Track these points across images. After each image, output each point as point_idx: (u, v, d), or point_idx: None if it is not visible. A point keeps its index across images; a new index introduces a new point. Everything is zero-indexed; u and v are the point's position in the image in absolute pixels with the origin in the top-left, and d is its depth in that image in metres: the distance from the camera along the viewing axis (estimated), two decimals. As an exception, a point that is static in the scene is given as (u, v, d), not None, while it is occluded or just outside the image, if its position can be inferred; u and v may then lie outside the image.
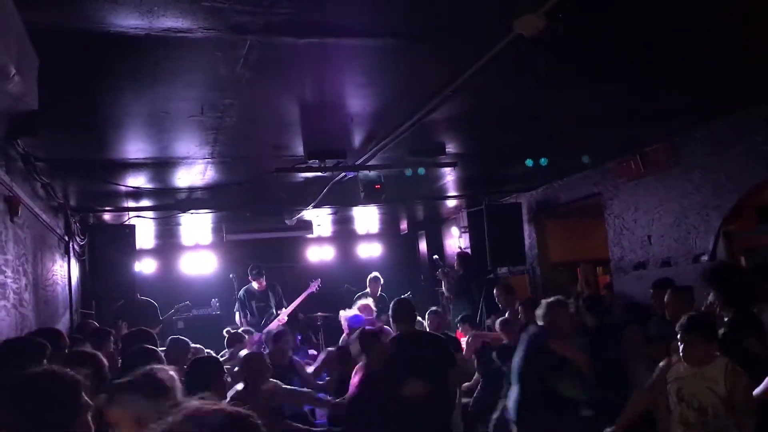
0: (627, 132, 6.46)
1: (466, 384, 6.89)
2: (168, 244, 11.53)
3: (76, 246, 8.06)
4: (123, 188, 6.96)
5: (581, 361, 4.92)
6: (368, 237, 13.12)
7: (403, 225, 12.96)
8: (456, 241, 11.39)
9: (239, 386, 4.96)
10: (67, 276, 7.62)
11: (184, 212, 8.57)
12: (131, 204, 8.19)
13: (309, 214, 9.64)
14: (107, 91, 4.17)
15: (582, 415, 4.87)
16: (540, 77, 4.54)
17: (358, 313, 7.31)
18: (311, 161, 6.17)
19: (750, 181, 5.99)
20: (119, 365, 4.62)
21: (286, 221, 9.93)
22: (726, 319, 4.59)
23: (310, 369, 6.79)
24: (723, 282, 4.72)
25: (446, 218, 12.14)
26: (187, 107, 4.59)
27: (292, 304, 9.75)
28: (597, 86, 4.88)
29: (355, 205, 9.30)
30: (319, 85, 4.50)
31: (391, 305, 5.70)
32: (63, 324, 7.00)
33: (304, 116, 5.07)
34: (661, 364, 4.22)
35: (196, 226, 10.38)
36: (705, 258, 6.41)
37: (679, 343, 3.98)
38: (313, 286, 10.05)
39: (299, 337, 9.73)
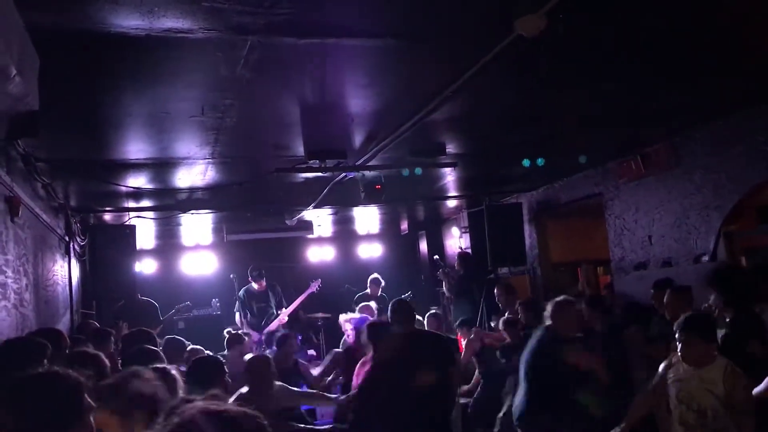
0: (627, 132, 6.46)
1: (465, 387, 6.88)
2: (168, 244, 11.54)
3: (76, 246, 8.06)
4: (123, 188, 6.96)
5: (598, 369, 4.90)
6: (369, 237, 13.11)
7: (404, 225, 12.95)
8: (456, 241, 11.39)
9: (244, 389, 4.95)
10: (67, 276, 7.62)
11: (184, 212, 8.57)
12: (132, 204, 8.19)
13: (309, 214, 9.64)
14: (108, 92, 4.17)
15: (587, 416, 4.86)
16: (540, 77, 4.54)
17: (361, 315, 7.29)
18: (312, 161, 6.17)
19: (751, 181, 5.99)
20: (119, 366, 4.62)
21: (287, 221, 9.93)
22: (727, 320, 4.60)
23: (314, 371, 6.79)
24: (724, 282, 4.73)
25: (447, 218, 12.14)
26: (187, 107, 4.59)
27: (292, 305, 9.75)
28: (597, 86, 4.88)
29: (356, 206, 9.30)
30: (319, 86, 4.50)
31: (389, 306, 5.69)
32: (63, 324, 7.00)
33: (304, 116, 5.07)
34: (662, 365, 4.22)
35: (197, 227, 10.38)
36: (706, 258, 6.41)
37: (677, 343, 3.98)
38: (314, 286, 10.05)
39: (299, 338, 9.73)
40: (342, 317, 7.79)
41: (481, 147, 6.68)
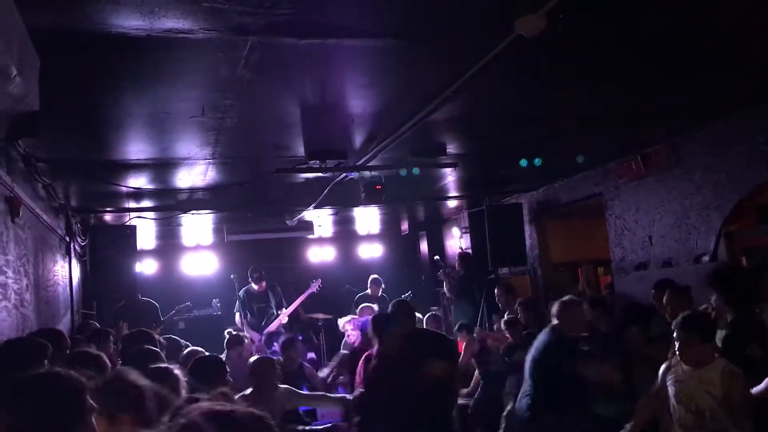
0: (628, 132, 6.46)
1: (465, 390, 6.87)
2: (169, 244, 11.54)
3: (77, 246, 8.06)
4: (124, 189, 6.97)
5: (612, 378, 4.89)
6: (369, 237, 13.11)
7: (404, 225, 12.95)
8: (457, 241, 11.39)
9: (247, 391, 4.95)
10: (68, 276, 7.63)
11: (185, 213, 8.57)
12: (132, 205, 8.19)
13: (310, 214, 9.64)
14: (108, 92, 4.18)
15: (591, 417, 4.85)
16: (540, 77, 4.54)
17: (364, 317, 7.30)
18: (312, 162, 6.17)
19: (751, 181, 5.99)
20: (119, 366, 4.62)
21: (287, 222, 9.94)
22: (728, 320, 4.60)
23: (321, 373, 6.77)
24: (724, 283, 4.72)
25: (447, 219, 12.14)
26: (188, 108, 4.59)
27: (292, 305, 9.75)
28: (597, 86, 4.88)
29: (356, 206, 9.30)
30: (319, 86, 4.50)
31: (390, 306, 5.70)
32: (64, 324, 7.00)
33: (304, 117, 5.07)
34: (663, 366, 4.21)
35: (197, 227, 10.39)
36: (706, 258, 6.41)
37: (675, 342, 3.97)
38: (314, 287, 10.05)
39: (300, 338, 9.74)
40: (341, 321, 7.81)
41: (482, 147, 6.68)
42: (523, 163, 6.62)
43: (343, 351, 7.20)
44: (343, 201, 8.59)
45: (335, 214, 10.36)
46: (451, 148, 6.43)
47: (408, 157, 6.40)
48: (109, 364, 3.69)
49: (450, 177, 8.04)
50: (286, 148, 6.02)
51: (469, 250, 9.86)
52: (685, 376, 3.95)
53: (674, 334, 3.97)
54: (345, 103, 4.87)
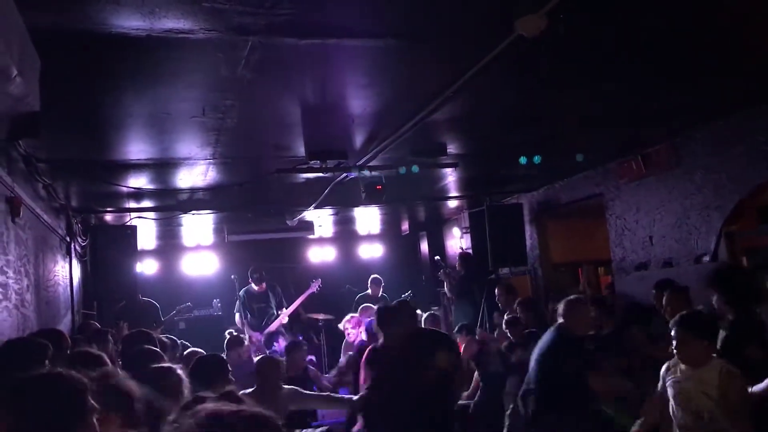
0: (628, 132, 6.46)
1: (465, 393, 6.86)
2: (169, 244, 11.54)
3: (77, 247, 8.07)
4: (124, 189, 6.97)
5: (623, 390, 4.87)
6: (369, 238, 13.11)
7: (405, 226, 12.95)
8: (457, 241, 11.39)
9: (248, 390, 4.95)
10: (68, 277, 7.63)
11: (185, 213, 8.57)
12: (133, 205, 8.19)
13: (310, 214, 9.64)
14: (108, 92, 4.18)
15: (593, 417, 4.84)
16: (541, 78, 4.53)
17: (369, 317, 7.29)
18: (312, 162, 6.17)
19: (751, 182, 5.98)
20: (120, 366, 4.62)
21: (288, 222, 9.94)
22: (729, 320, 4.60)
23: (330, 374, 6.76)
24: (725, 283, 4.72)
25: (447, 219, 12.14)
26: (188, 108, 4.59)
27: (292, 305, 9.75)
28: (598, 86, 4.88)
29: (357, 206, 9.30)
30: (320, 86, 4.50)
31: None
32: (65, 325, 7.01)
33: (305, 117, 5.07)
34: (663, 367, 4.20)
35: (198, 227, 10.39)
36: (707, 258, 6.40)
37: (673, 341, 3.97)
38: (314, 287, 10.05)
39: (300, 338, 9.74)
40: (344, 322, 7.80)
41: (482, 147, 6.68)
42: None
43: (350, 353, 7.18)
44: (343, 201, 8.59)
45: (336, 214, 10.36)
46: (451, 148, 6.43)
47: (408, 157, 6.40)
48: (110, 365, 3.69)
49: (450, 177, 8.04)
50: (286, 148, 6.02)
51: (470, 251, 9.86)
52: (683, 376, 3.94)
53: (672, 333, 3.97)
54: (345, 103, 4.87)
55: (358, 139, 5.87)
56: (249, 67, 3.82)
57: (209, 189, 7.40)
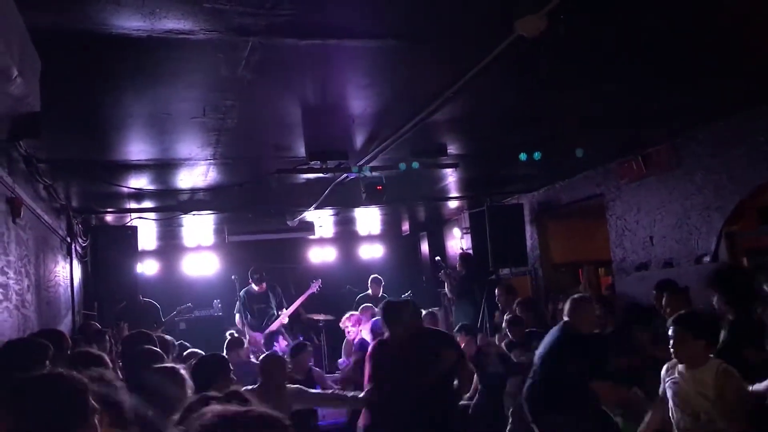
0: (629, 133, 6.46)
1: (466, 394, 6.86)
2: (170, 245, 11.54)
3: (78, 247, 8.07)
4: (125, 190, 6.97)
5: (629, 399, 4.86)
6: (370, 238, 13.11)
7: (405, 226, 12.95)
8: (458, 242, 11.39)
9: (250, 387, 4.94)
10: (69, 277, 7.63)
11: (186, 213, 8.58)
12: (133, 205, 8.20)
13: (310, 215, 9.64)
14: (109, 93, 4.18)
15: (594, 416, 4.83)
16: (541, 78, 4.53)
17: (374, 318, 7.29)
18: (313, 162, 6.18)
19: (752, 182, 5.98)
20: (120, 367, 4.63)
21: (288, 222, 9.94)
22: (730, 319, 4.60)
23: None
24: (725, 284, 4.72)
25: (448, 219, 12.14)
26: (188, 108, 4.59)
27: (292, 305, 9.75)
28: (598, 87, 4.88)
29: (357, 207, 9.30)
30: (320, 87, 4.51)
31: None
32: (65, 325, 7.01)
33: (305, 117, 5.07)
34: (663, 369, 4.19)
35: (198, 228, 10.39)
36: (707, 259, 6.40)
37: (670, 340, 3.97)
38: (314, 287, 10.06)
39: (301, 339, 9.74)
40: (345, 323, 7.80)
41: (483, 148, 6.68)
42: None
43: (353, 358, 7.17)
44: (343, 201, 8.59)
45: (336, 214, 10.36)
46: (451, 149, 6.43)
47: (409, 157, 6.40)
48: (111, 365, 3.69)
49: (451, 177, 8.04)
50: (286, 149, 6.02)
51: (470, 251, 9.86)
52: (681, 378, 3.93)
53: (668, 332, 3.96)
54: (346, 103, 4.87)
55: (359, 140, 5.87)
56: (249, 67, 3.82)
57: (210, 189, 7.40)
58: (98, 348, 4.95)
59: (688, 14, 3.71)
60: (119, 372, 4.43)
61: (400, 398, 4.79)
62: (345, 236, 12.87)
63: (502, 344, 6.51)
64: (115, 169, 6.21)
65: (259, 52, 3.60)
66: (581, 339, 4.97)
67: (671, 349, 3.95)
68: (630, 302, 7.00)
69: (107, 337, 5.74)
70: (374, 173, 6.67)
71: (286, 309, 9.64)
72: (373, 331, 6.70)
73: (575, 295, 5.21)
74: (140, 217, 8.44)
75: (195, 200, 7.97)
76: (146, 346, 4.32)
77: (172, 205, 8.25)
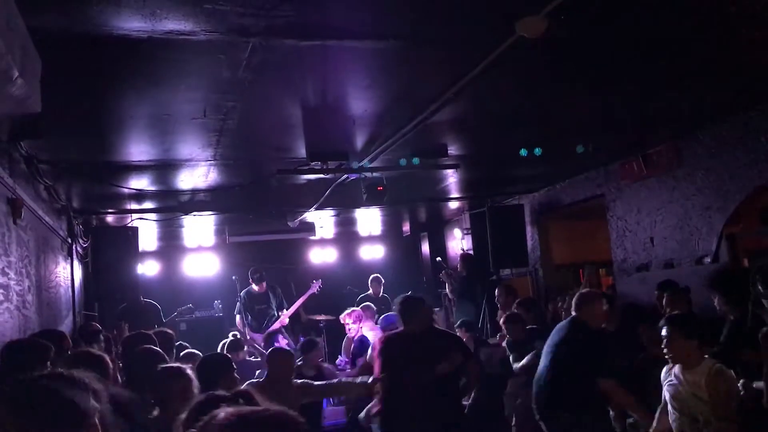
0: (629, 134, 6.45)
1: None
2: (171, 246, 11.55)
3: (79, 248, 8.08)
4: (126, 190, 6.98)
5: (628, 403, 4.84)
6: (371, 239, 13.12)
7: (406, 227, 12.95)
8: (458, 242, 11.39)
9: (254, 380, 4.94)
10: (70, 278, 7.64)
11: (186, 214, 8.58)
12: (134, 206, 8.20)
13: (311, 216, 9.65)
14: (110, 94, 4.18)
15: (602, 417, 4.81)
16: (542, 79, 4.54)
17: (385, 314, 7.32)
18: (313, 163, 6.18)
19: (753, 183, 5.97)
20: (120, 367, 4.63)
21: (289, 223, 9.94)
22: (731, 320, 4.59)
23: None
24: (726, 285, 4.71)
25: (449, 220, 12.14)
26: (189, 109, 4.59)
27: (293, 306, 9.75)
28: (599, 88, 4.88)
29: (358, 207, 9.30)
30: (321, 87, 4.51)
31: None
32: (66, 326, 7.01)
33: (306, 118, 5.07)
34: (663, 370, 4.18)
35: (199, 228, 10.39)
36: (708, 260, 6.40)
37: (663, 340, 3.96)
38: (314, 287, 10.05)
39: (302, 339, 9.74)
40: (342, 316, 7.81)
41: (483, 149, 6.68)
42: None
43: (359, 348, 7.19)
44: (344, 202, 8.60)
45: (337, 215, 10.36)
46: (452, 150, 6.44)
47: (410, 157, 6.40)
48: (112, 366, 3.69)
49: (452, 178, 8.04)
50: (287, 150, 6.02)
51: (471, 252, 9.86)
52: (678, 380, 3.93)
53: (661, 333, 3.97)
54: (346, 104, 4.88)
55: (359, 141, 5.87)
56: (250, 68, 3.82)
57: (210, 190, 7.40)
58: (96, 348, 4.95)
59: (688, 15, 3.70)
60: (119, 373, 4.43)
61: (410, 389, 4.81)
62: (346, 237, 12.87)
63: (504, 343, 6.49)
64: (116, 170, 6.22)
65: (259, 52, 3.60)
66: (591, 334, 4.92)
67: (664, 350, 3.95)
68: (631, 302, 7.00)
69: (101, 337, 5.72)
70: (375, 174, 6.67)
71: (287, 310, 9.63)
72: (384, 328, 6.70)
73: (583, 290, 5.19)
74: (141, 218, 8.44)
75: (196, 201, 7.97)
76: (147, 346, 4.32)
77: (172, 205, 8.25)
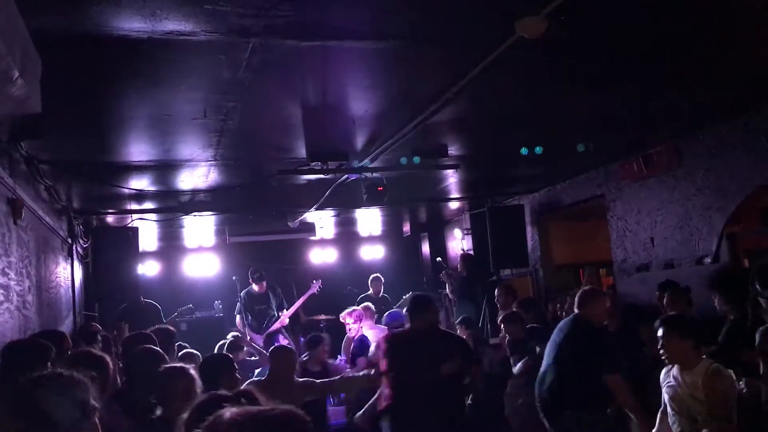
0: (630, 134, 6.45)
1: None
2: (171, 246, 11.55)
3: (79, 248, 8.08)
4: (126, 191, 6.98)
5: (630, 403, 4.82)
6: (371, 239, 13.11)
7: (406, 227, 12.95)
8: (459, 243, 11.39)
9: (255, 379, 4.93)
10: (70, 278, 7.64)
11: (187, 214, 8.59)
12: (134, 206, 8.21)
13: (312, 216, 9.65)
14: (110, 94, 4.19)
15: (605, 417, 4.80)
16: (543, 79, 4.54)
17: (390, 311, 7.32)
18: (314, 163, 6.18)
19: (753, 183, 5.97)
20: (120, 368, 4.62)
21: (289, 223, 9.94)
22: (731, 320, 4.59)
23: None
24: (726, 285, 4.71)
25: (449, 220, 12.14)
26: (190, 110, 4.60)
27: (293, 306, 9.75)
28: (599, 88, 4.88)
29: (358, 208, 9.30)
30: (321, 88, 4.51)
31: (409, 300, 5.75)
32: (66, 326, 7.01)
33: (306, 118, 5.08)
34: (663, 373, 4.18)
35: (199, 229, 10.39)
36: (708, 260, 6.40)
37: (659, 341, 3.96)
38: (314, 287, 10.05)
39: (302, 339, 9.74)
40: (343, 315, 7.80)
41: (484, 149, 6.68)
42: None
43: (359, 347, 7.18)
44: (344, 202, 8.60)
45: (337, 215, 10.36)
46: (453, 150, 6.44)
47: (410, 157, 6.40)
48: (112, 367, 3.69)
49: (452, 178, 8.04)
50: (287, 150, 6.02)
51: (471, 252, 9.86)
52: (676, 382, 3.92)
53: (657, 335, 3.97)
54: (346, 104, 4.88)
55: (360, 141, 5.88)
56: (250, 68, 3.82)
57: (211, 190, 7.40)
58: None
59: (689, 15, 3.70)
60: (118, 375, 4.42)
61: (417, 387, 4.82)
62: (346, 237, 12.87)
63: (505, 342, 6.49)
64: (117, 171, 6.22)
65: (259, 53, 3.60)
66: (594, 331, 4.90)
67: (660, 351, 3.95)
68: (631, 303, 7.00)
69: (99, 338, 5.71)
70: (375, 174, 6.67)
71: (287, 310, 9.63)
72: (389, 324, 6.70)
73: (585, 287, 5.18)
74: (141, 218, 8.44)
75: (196, 201, 7.97)
76: (146, 346, 4.32)
77: (173, 206, 8.26)
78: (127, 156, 5.78)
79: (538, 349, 5.68)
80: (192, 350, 5.94)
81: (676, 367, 3.96)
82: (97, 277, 7.95)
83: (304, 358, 6.62)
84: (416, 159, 6.42)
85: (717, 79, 4.93)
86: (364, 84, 4.47)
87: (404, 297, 8.91)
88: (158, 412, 3.30)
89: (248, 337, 8.89)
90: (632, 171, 7.40)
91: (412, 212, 11.46)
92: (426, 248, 12.65)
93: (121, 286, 7.82)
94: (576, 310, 5.03)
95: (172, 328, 5.73)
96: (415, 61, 4.01)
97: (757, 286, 4.14)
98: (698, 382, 3.76)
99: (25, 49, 2.96)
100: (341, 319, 7.87)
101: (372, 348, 6.80)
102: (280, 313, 9.55)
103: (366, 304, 8.19)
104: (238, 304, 9.64)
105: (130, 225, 8.44)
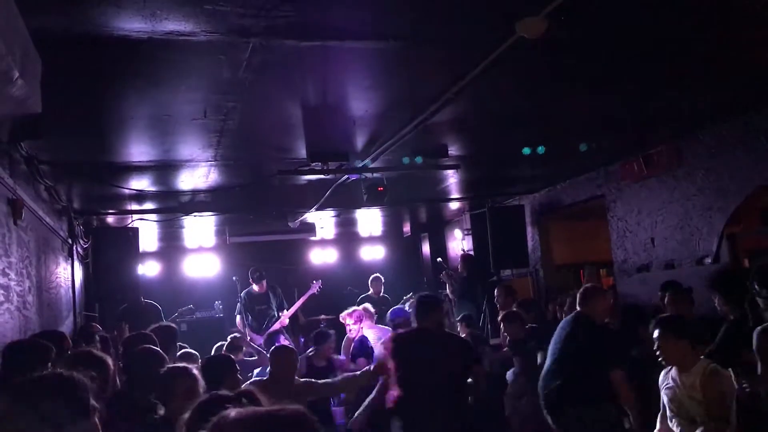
0: (630, 134, 6.45)
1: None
2: (171, 246, 11.55)
3: (79, 249, 8.08)
4: (126, 191, 6.98)
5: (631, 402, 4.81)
6: (371, 239, 13.11)
7: (406, 227, 12.96)
8: (459, 243, 11.39)
9: (256, 378, 4.93)
10: (70, 279, 7.64)
11: (187, 215, 8.59)
12: (135, 207, 8.21)
13: (312, 216, 9.65)
14: (110, 94, 4.19)
15: (608, 417, 4.79)
16: (543, 79, 4.54)
17: (394, 307, 7.31)
18: (314, 164, 6.18)
19: (754, 183, 5.97)
20: (121, 368, 4.62)
21: (289, 224, 9.94)
22: (731, 320, 4.59)
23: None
24: (726, 285, 4.70)
25: (449, 220, 12.14)
26: (190, 110, 4.60)
27: (293, 306, 9.75)
28: (599, 88, 4.88)
29: (358, 208, 9.30)
30: (321, 88, 4.51)
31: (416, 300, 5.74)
32: (66, 327, 7.01)
33: (306, 119, 5.08)
34: (662, 374, 4.17)
35: (200, 229, 10.40)
36: (708, 260, 6.40)
37: (655, 342, 3.96)
38: (314, 288, 10.04)
39: (302, 340, 9.74)
40: (343, 315, 7.79)
41: (484, 149, 6.68)
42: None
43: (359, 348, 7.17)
44: (345, 203, 8.60)
45: (337, 216, 10.37)
46: (453, 150, 6.44)
47: (412, 157, 6.40)
48: (112, 368, 3.69)
49: (452, 179, 8.04)
50: (288, 150, 6.03)
51: (471, 252, 9.85)
52: (675, 383, 3.91)
53: (653, 335, 3.96)
54: (346, 105, 4.88)
55: (360, 141, 5.88)
56: (250, 69, 3.82)
57: (211, 191, 7.40)
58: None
59: (689, 16, 3.70)
60: (117, 375, 4.42)
61: (424, 387, 4.82)
62: (346, 237, 12.87)
63: (506, 342, 6.48)
64: (117, 171, 6.22)
65: (259, 53, 3.60)
66: (596, 328, 4.90)
67: (656, 352, 3.95)
68: (631, 303, 6.99)
69: (97, 338, 5.71)
70: (375, 174, 6.67)
71: (287, 310, 9.63)
72: (393, 320, 6.69)
73: (587, 285, 5.17)
74: (141, 219, 8.44)
75: (196, 201, 7.97)
76: (146, 346, 4.31)
77: (173, 206, 8.26)
78: (128, 156, 5.78)
79: (539, 356, 5.67)
80: (190, 350, 5.93)
81: (674, 368, 3.95)
82: (97, 277, 7.95)
83: (310, 353, 6.61)
84: (418, 159, 6.41)
85: (717, 79, 4.93)
86: (365, 84, 4.47)
87: (405, 297, 8.89)
88: (161, 411, 3.30)
89: (248, 338, 8.89)
90: (632, 171, 7.40)
91: (413, 212, 11.46)
92: (426, 248, 12.65)
93: (121, 287, 7.82)
94: (578, 308, 5.03)
95: (174, 326, 5.72)
96: (416, 61, 4.01)
97: (756, 286, 4.13)
98: (696, 382, 3.76)
99: (25, 49, 2.96)
100: (341, 320, 7.86)
101: (374, 348, 6.80)
102: (280, 314, 9.55)
103: (366, 304, 8.18)
104: (239, 304, 9.64)
105: (130, 225, 8.44)
